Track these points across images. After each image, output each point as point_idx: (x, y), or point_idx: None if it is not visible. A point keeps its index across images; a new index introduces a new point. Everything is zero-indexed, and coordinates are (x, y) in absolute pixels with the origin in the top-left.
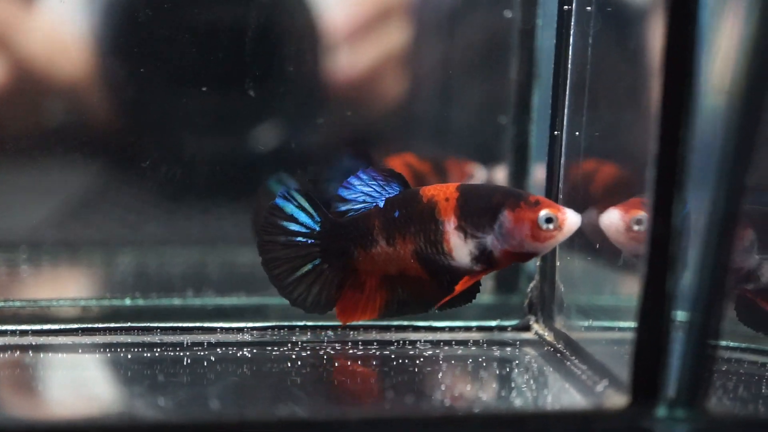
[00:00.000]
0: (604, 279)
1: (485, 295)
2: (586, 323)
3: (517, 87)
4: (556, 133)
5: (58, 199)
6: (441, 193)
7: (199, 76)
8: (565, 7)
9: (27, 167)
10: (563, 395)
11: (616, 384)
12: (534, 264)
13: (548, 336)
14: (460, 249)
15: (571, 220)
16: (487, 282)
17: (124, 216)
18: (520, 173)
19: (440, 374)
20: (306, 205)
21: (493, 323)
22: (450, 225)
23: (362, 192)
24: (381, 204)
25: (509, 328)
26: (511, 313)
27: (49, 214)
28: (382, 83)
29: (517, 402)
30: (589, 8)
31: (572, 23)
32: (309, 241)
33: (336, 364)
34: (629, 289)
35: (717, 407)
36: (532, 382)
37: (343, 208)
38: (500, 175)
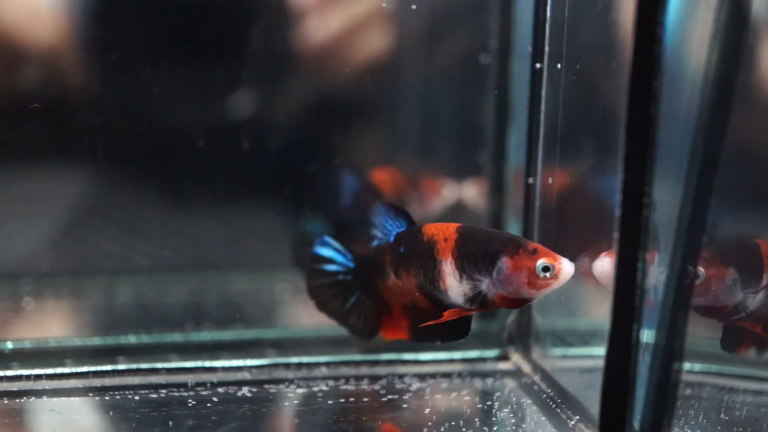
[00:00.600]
0: (576, 303)
1: None
2: (559, 352)
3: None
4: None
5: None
6: (441, 232)
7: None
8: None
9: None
10: (540, 430)
11: (586, 417)
12: None
13: (526, 367)
14: (455, 289)
15: (567, 269)
16: None
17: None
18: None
19: (427, 410)
20: (339, 247)
21: (475, 354)
22: (447, 265)
23: (381, 223)
24: (392, 239)
25: (490, 359)
26: (491, 342)
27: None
28: (352, 50)
29: None
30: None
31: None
32: (348, 278)
33: (329, 402)
34: (602, 311)
35: None
36: (510, 416)
37: (373, 233)
38: (471, 192)
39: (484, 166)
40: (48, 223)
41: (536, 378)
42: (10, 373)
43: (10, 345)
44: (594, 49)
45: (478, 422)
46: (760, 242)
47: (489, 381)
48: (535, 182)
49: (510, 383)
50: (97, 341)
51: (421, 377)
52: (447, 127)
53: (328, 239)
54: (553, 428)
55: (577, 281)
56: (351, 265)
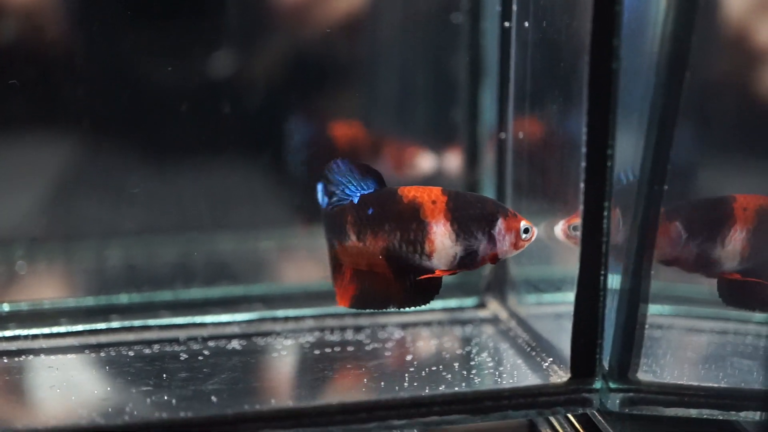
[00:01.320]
0: (548, 252)
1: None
2: (534, 299)
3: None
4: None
5: None
6: (424, 195)
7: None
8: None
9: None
10: (515, 372)
11: (559, 359)
12: None
13: (502, 314)
14: (447, 251)
15: (537, 231)
16: None
17: None
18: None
19: (409, 356)
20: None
21: (455, 304)
22: (438, 227)
23: (341, 181)
24: (356, 200)
25: (469, 308)
26: (470, 291)
27: None
28: (326, 8)
29: (476, 380)
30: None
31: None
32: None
33: (316, 352)
34: (572, 258)
35: (646, 376)
36: (489, 360)
37: (331, 191)
38: (453, 163)
39: (458, 125)
40: (38, 191)
41: (512, 324)
42: (8, 333)
43: (6, 307)
44: (558, 8)
45: (457, 366)
46: (738, 196)
47: (468, 328)
48: (507, 137)
49: (488, 330)
50: (90, 301)
51: (403, 326)
52: (421, 87)
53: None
54: (528, 370)
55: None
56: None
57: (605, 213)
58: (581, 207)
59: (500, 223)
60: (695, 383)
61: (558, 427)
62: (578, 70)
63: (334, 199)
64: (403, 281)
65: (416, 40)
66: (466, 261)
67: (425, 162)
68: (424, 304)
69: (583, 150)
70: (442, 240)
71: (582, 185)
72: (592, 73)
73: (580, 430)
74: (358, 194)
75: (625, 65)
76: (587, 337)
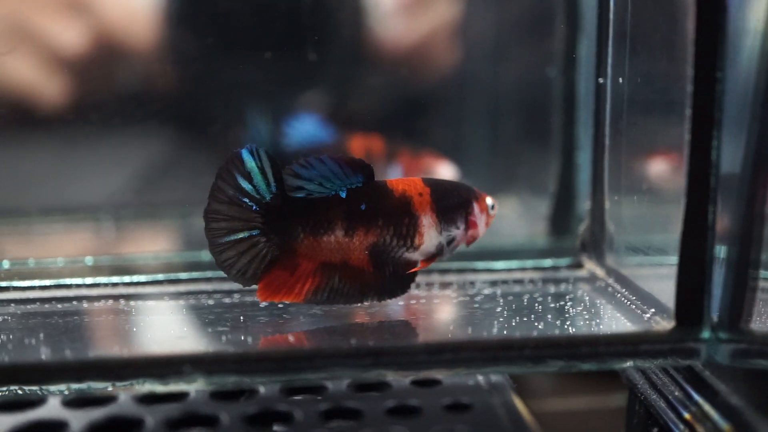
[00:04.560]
0: (651, 217)
1: (539, 239)
2: (635, 260)
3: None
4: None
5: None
6: (411, 188)
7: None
8: None
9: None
10: (614, 323)
11: (663, 311)
12: (584, 207)
13: (600, 272)
14: (431, 241)
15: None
16: (540, 226)
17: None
18: (568, 123)
19: (498, 308)
20: (267, 169)
21: (548, 263)
22: (427, 219)
23: (320, 175)
24: (343, 194)
25: (563, 267)
26: (564, 253)
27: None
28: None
29: (571, 329)
30: None
31: None
32: (254, 207)
33: (411, 302)
34: (676, 226)
35: (758, 328)
36: (584, 312)
37: (296, 185)
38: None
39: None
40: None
41: (610, 281)
42: (89, 281)
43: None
44: None
45: (550, 317)
46: None
47: (562, 286)
48: (606, 82)
49: (584, 287)
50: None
51: (493, 283)
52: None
53: (262, 153)
54: (628, 322)
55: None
56: (266, 196)
57: (714, 142)
58: (689, 134)
59: (475, 208)
60: None
61: (661, 389)
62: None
63: (301, 194)
64: (381, 274)
65: None
66: (445, 249)
67: (443, 171)
68: (402, 294)
69: (690, 72)
70: (429, 232)
71: (688, 111)
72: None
73: (686, 386)
74: (344, 189)
75: None
76: (694, 279)
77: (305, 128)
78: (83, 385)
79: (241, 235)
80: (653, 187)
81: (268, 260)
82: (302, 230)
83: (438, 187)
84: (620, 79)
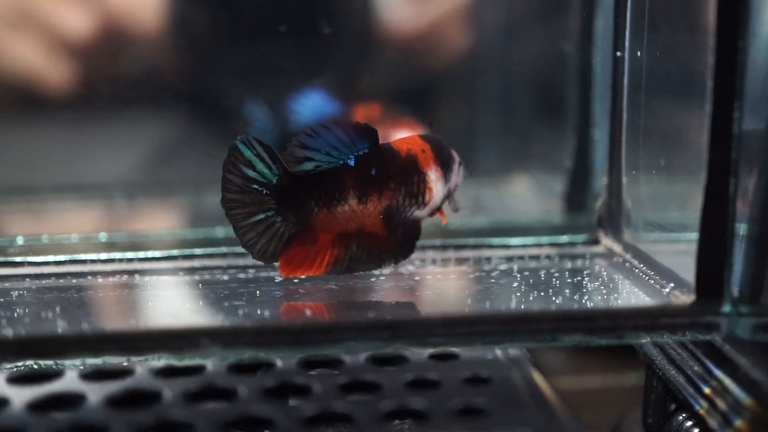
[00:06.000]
0: (670, 192)
1: (555, 216)
2: (653, 235)
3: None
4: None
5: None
6: (414, 146)
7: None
8: None
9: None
10: (632, 297)
11: (682, 285)
12: (600, 183)
13: (617, 248)
14: (438, 194)
15: None
16: (557, 203)
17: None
18: (584, 98)
19: (515, 284)
20: (264, 155)
21: (564, 239)
22: (433, 174)
23: (327, 144)
24: (352, 162)
25: (579, 243)
26: (581, 229)
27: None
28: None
29: (589, 303)
30: None
31: None
32: (264, 191)
33: (427, 277)
34: (695, 201)
35: None
36: (602, 287)
37: (304, 156)
38: None
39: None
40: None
41: (628, 257)
42: (103, 256)
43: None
44: None
45: (568, 292)
46: None
47: (579, 261)
48: (624, 56)
49: (601, 262)
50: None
51: (509, 259)
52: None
53: (253, 141)
54: (647, 296)
55: None
56: (272, 179)
57: (736, 114)
58: (710, 105)
59: (456, 158)
60: None
61: (680, 364)
62: None
63: (310, 165)
64: (394, 236)
65: None
66: (442, 202)
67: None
68: (411, 253)
69: (711, 43)
70: (436, 186)
71: (710, 82)
72: None
73: (706, 361)
74: (351, 156)
75: None
76: (714, 252)
77: (313, 103)
78: (98, 360)
79: (258, 218)
80: (672, 161)
81: (286, 238)
82: (315, 204)
83: (433, 142)
84: (638, 53)
